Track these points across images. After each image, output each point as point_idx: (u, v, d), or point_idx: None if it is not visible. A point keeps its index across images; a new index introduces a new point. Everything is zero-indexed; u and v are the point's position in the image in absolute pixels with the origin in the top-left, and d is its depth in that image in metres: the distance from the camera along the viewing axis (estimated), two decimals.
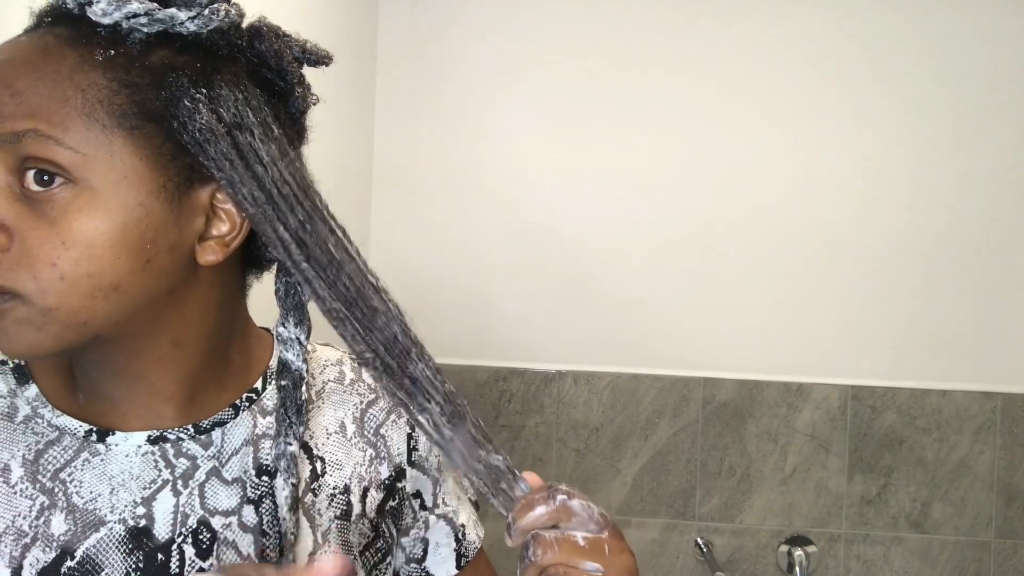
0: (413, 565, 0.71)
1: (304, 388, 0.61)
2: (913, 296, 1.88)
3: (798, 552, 1.89)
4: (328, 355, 0.71)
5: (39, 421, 0.58)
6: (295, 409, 0.61)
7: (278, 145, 0.54)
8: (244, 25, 0.57)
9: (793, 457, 1.91)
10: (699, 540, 1.91)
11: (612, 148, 1.93)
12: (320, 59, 0.62)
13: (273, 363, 0.66)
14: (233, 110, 0.53)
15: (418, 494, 0.71)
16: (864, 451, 1.90)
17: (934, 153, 1.88)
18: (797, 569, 1.87)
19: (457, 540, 0.72)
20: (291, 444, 0.60)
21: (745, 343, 1.92)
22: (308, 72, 0.61)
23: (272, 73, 0.58)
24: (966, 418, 1.88)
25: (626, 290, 1.93)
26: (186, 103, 0.52)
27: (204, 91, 0.53)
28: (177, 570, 0.57)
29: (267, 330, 0.68)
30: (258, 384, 0.64)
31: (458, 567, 0.73)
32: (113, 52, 0.51)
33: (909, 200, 1.88)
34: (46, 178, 0.50)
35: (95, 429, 0.58)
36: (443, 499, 0.73)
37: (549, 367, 1.95)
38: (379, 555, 0.67)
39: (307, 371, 0.62)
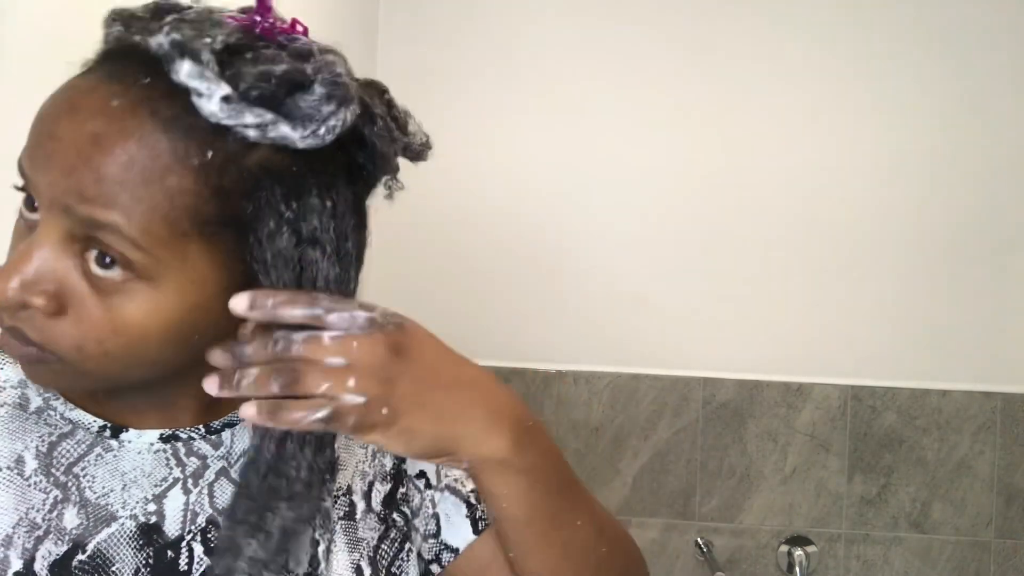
0: (431, 541, 0.70)
1: (337, 444, 0.59)
2: (914, 296, 1.88)
3: (798, 552, 1.89)
4: None
5: (52, 413, 0.58)
6: (328, 465, 0.59)
7: (342, 264, 0.53)
8: (360, 107, 0.53)
9: (793, 457, 1.91)
10: (699, 540, 1.91)
11: (611, 148, 1.93)
12: (419, 156, 0.60)
13: None
14: (315, 223, 0.51)
15: (421, 474, 0.71)
16: (864, 451, 1.90)
17: (935, 154, 1.88)
18: (797, 569, 1.87)
19: (469, 506, 0.71)
20: (324, 501, 0.60)
21: (745, 343, 1.92)
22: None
23: (365, 159, 0.56)
24: (966, 418, 1.88)
25: (626, 290, 1.93)
26: (271, 224, 0.50)
27: (294, 206, 0.50)
28: (186, 567, 0.58)
29: None
30: None
31: (476, 532, 0.71)
32: (211, 153, 0.48)
33: (909, 201, 1.88)
34: (108, 261, 0.48)
35: (109, 425, 0.59)
36: (446, 472, 0.72)
37: (549, 367, 1.95)
38: (396, 545, 0.67)
39: None
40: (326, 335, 0.50)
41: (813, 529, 1.91)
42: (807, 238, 1.90)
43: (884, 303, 1.89)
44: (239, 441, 0.62)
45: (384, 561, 0.66)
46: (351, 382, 0.50)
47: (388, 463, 0.69)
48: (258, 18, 0.51)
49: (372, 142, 0.55)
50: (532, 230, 1.94)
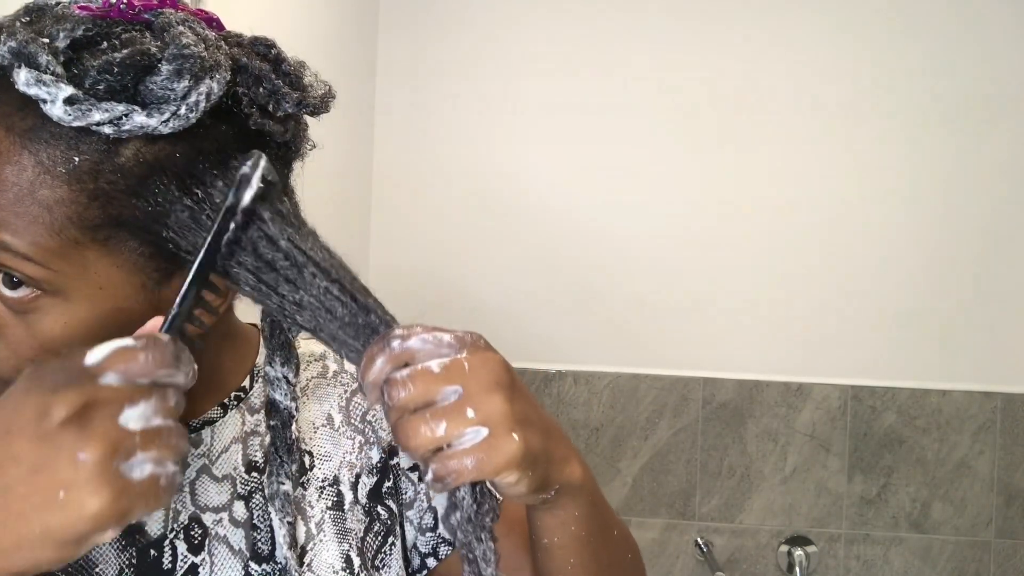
0: (429, 534, 0.70)
1: (294, 426, 0.61)
2: (913, 296, 1.88)
3: (798, 552, 1.89)
4: (312, 349, 0.71)
5: None
6: (286, 448, 0.60)
7: (293, 232, 0.49)
8: (230, 72, 0.50)
9: (793, 457, 1.91)
10: (699, 540, 1.91)
11: (611, 149, 1.93)
12: (319, 109, 0.55)
13: (259, 360, 0.66)
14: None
15: (415, 467, 0.70)
16: (864, 451, 1.90)
17: (934, 154, 1.88)
18: (797, 569, 1.87)
19: None
20: (284, 483, 0.60)
21: (745, 343, 1.92)
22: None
23: (263, 123, 0.52)
24: (966, 418, 1.88)
25: (626, 290, 1.93)
26: (179, 216, 0.48)
27: (197, 193, 0.48)
28: (170, 565, 0.58)
29: (253, 326, 0.68)
30: (245, 383, 0.64)
31: None
32: (77, 159, 0.46)
33: (909, 201, 1.88)
34: (16, 280, 0.48)
35: None
36: None
37: (549, 367, 1.95)
38: (379, 538, 0.67)
39: (297, 407, 0.61)
40: (433, 363, 0.46)
41: (813, 529, 1.91)
42: (807, 238, 1.90)
43: (884, 303, 1.89)
44: (219, 438, 0.62)
45: (369, 553, 0.66)
46: (470, 412, 0.46)
47: (375, 456, 0.69)
48: (113, 0, 0.48)
49: (256, 104, 0.51)
50: (532, 229, 1.95)
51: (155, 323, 0.47)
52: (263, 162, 0.46)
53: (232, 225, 0.46)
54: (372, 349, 0.48)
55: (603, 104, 1.93)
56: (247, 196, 0.46)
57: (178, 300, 0.47)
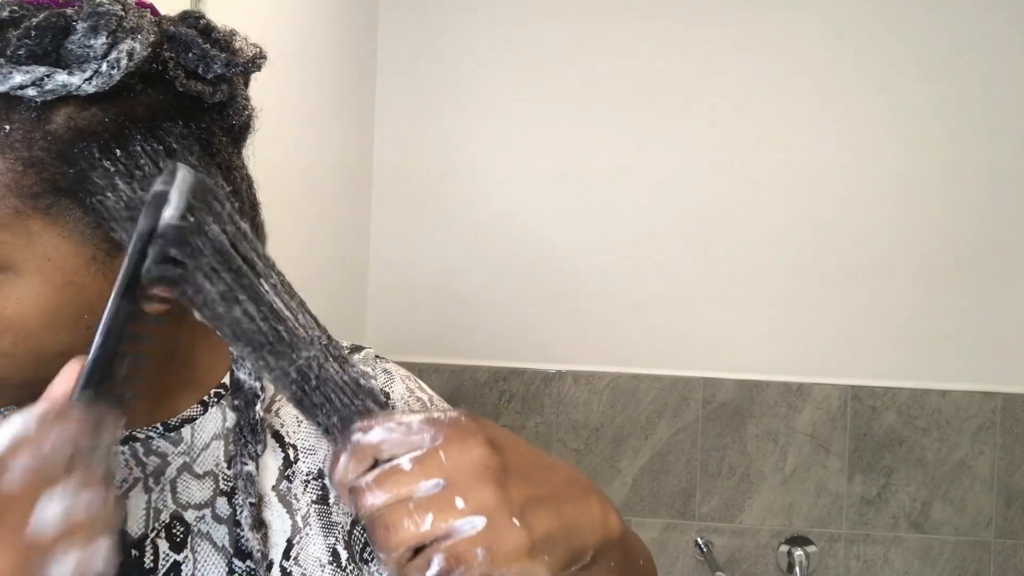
0: None
1: (259, 406, 0.60)
2: (913, 296, 1.88)
3: (798, 552, 1.89)
4: None
5: None
6: (250, 428, 0.60)
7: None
8: (155, 35, 0.51)
9: (793, 457, 1.91)
10: (699, 540, 1.91)
11: (612, 149, 1.93)
12: (249, 69, 0.55)
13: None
14: (148, 168, 0.49)
15: None
16: (864, 451, 1.90)
17: (934, 153, 1.88)
18: (797, 569, 1.87)
19: None
20: (247, 464, 0.60)
21: (745, 343, 1.92)
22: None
23: (198, 83, 0.53)
24: (966, 418, 1.88)
25: (626, 290, 1.93)
26: (96, 180, 0.48)
27: (118, 156, 0.48)
28: (151, 564, 0.58)
29: None
30: (226, 379, 0.64)
31: None
32: (8, 127, 0.47)
33: (909, 200, 1.88)
34: None
35: None
36: None
37: (549, 367, 1.95)
38: (367, 531, 0.67)
39: (262, 387, 0.61)
40: (404, 460, 0.42)
41: (813, 529, 1.91)
42: (807, 238, 1.90)
43: (884, 303, 1.89)
44: (200, 435, 0.62)
45: (357, 546, 0.65)
46: (459, 502, 0.41)
47: None
48: None
49: (183, 68, 0.52)
50: (532, 230, 1.95)
51: (70, 374, 0.43)
52: (181, 174, 0.43)
53: (151, 252, 0.42)
54: (338, 447, 0.45)
55: (604, 104, 1.93)
56: (166, 215, 0.42)
57: (96, 343, 0.43)
